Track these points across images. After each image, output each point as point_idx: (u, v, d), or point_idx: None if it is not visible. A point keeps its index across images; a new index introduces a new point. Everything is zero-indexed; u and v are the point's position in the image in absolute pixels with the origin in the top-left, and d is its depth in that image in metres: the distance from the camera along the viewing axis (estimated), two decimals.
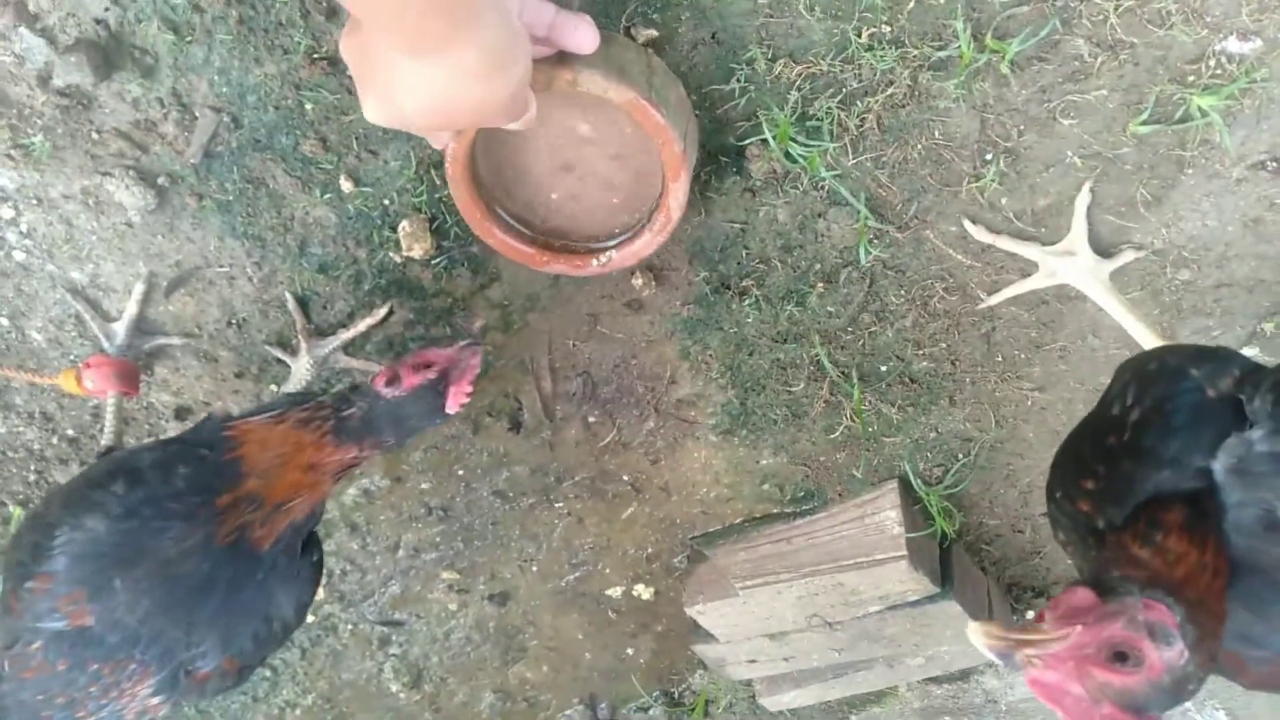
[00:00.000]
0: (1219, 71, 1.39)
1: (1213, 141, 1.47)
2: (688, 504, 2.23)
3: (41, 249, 1.77)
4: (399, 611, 2.43)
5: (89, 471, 1.52)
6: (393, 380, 1.41)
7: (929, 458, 2.01)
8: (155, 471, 1.39)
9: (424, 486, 2.22)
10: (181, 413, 2.06)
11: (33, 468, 2.17)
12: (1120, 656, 0.93)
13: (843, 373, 1.85)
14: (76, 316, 1.88)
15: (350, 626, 2.41)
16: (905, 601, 2.09)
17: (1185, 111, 1.43)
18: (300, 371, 1.88)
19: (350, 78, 1.54)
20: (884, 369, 1.87)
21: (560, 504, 2.26)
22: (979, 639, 0.96)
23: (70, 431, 2.10)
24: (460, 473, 2.20)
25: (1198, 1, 1.34)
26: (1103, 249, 1.60)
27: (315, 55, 1.49)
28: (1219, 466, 1.03)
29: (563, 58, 1.34)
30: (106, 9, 1.45)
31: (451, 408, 1.43)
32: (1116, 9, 1.35)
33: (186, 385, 2.01)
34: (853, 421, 1.95)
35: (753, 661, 2.36)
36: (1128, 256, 1.59)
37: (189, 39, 1.49)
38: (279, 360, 1.94)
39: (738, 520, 2.25)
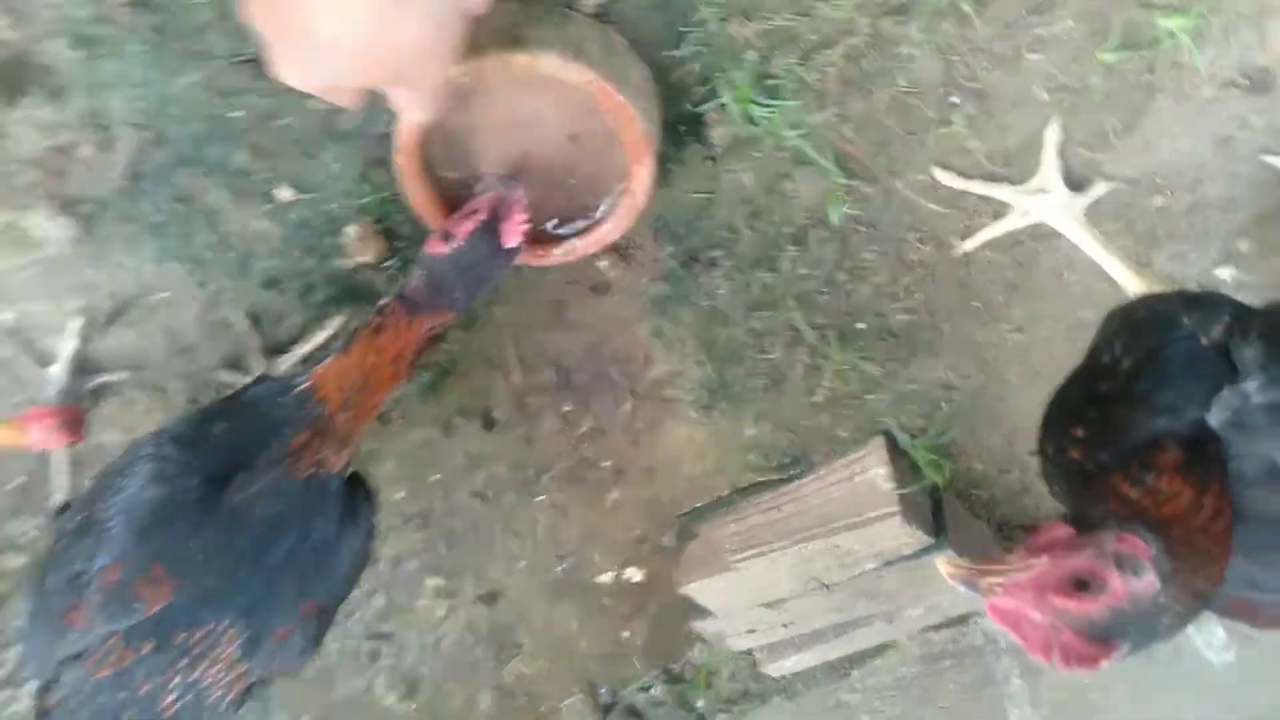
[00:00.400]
0: None
1: (1182, 64, 1.45)
2: (673, 482, 2.19)
3: None
4: (386, 624, 2.37)
5: (116, 462, 1.43)
6: (446, 238, 1.37)
7: (913, 410, 1.99)
8: (192, 430, 1.37)
9: (399, 496, 2.16)
10: None
11: None
12: (1082, 585, 0.91)
13: (821, 335, 1.81)
14: (8, 363, 1.77)
15: (338, 645, 2.34)
16: (901, 556, 2.08)
17: (1153, 35, 1.40)
18: None
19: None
20: (862, 326, 1.84)
21: (542, 498, 2.21)
22: (944, 569, 0.94)
23: (21, 479, 1.99)
24: (436, 478, 2.14)
25: None
26: (1075, 183, 1.58)
27: (238, 58, 1.39)
28: (1215, 420, 1.02)
29: (516, 39, 1.27)
30: (10, 28, 1.33)
31: (510, 242, 1.39)
32: None
33: (136, 420, 1.91)
34: (834, 382, 1.92)
35: (752, 631, 2.34)
36: (1101, 189, 1.56)
37: (100, 54, 1.38)
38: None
39: (724, 493, 2.21)
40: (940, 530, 2.08)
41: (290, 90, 1.44)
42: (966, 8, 1.38)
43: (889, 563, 2.10)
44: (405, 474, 2.10)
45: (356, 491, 1.51)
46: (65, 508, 1.66)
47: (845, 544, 2.04)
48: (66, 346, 1.74)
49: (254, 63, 1.41)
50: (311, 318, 1.78)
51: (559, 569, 2.36)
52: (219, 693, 1.40)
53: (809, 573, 2.13)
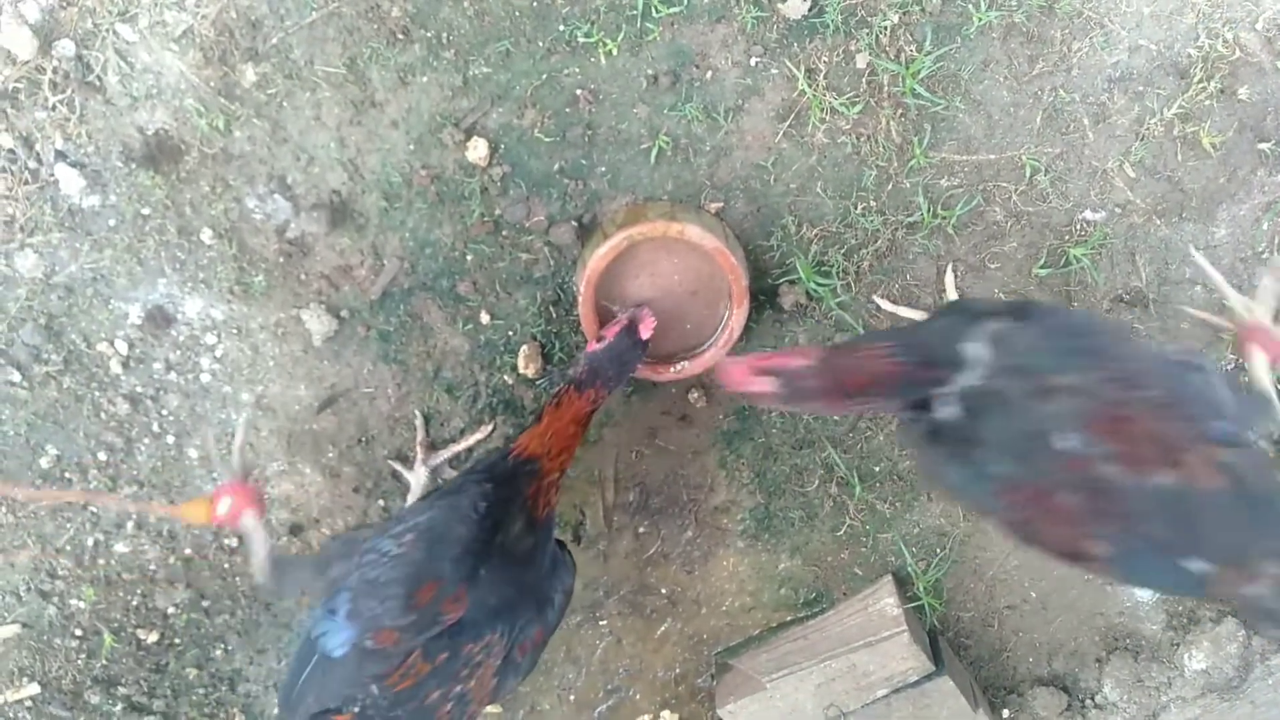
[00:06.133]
0: (1083, 232, 2.28)
1: (1086, 282, 2.33)
2: (715, 616, 2.74)
3: (226, 372, 2.35)
4: None
5: (426, 510, 1.90)
6: (600, 340, 2.04)
7: (914, 553, 2.64)
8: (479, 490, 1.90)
9: None
10: (295, 529, 2.53)
11: (139, 592, 2.56)
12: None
13: (848, 470, 2.52)
14: (231, 437, 2.40)
15: None
16: (907, 683, 2.61)
17: (1067, 259, 2.30)
18: (419, 480, 2.41)
19: (508, 239, 2.28)
20: (877, 469, 2.55)
21: (604, 622, 2.73)
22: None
23: (188, 551, 2.53)
24: None
25: (1063, 185, 2.25)
26: None
27: (484, 218, 2.24)
28: (979, 339, 1.68)
29: (672, 217, 2.13)
30: (346, 181, 2.19)
31: (645, 334, 2.06)
32: (1016, 190, 2.25)
33: (305, 501, 2.51)
34: (855, 519, 2.59)
35: None
36: None
37: (397, 206, 2.22)
38: (394, 475, 2.48)
39: (757, 631, 2.76)
40: (939, 662, 2.64)
41: (511, 243, 2.28)
42: (950, 230, 2.28)
43: (897, 690, 2.63)
44: None
45: (561, 548, 2.04)
46: (279, 561, 2.02)
47: (861, 664, 2.59)
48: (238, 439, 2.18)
49: (494, 223, 2.26)
50: (470, 422, 2.47)
51: (603, 707, 2.82)
52: (474, 707, 1.79)
53: (830, 696, 2.65)
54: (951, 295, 2.27)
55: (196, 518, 2.07)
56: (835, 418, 2.49)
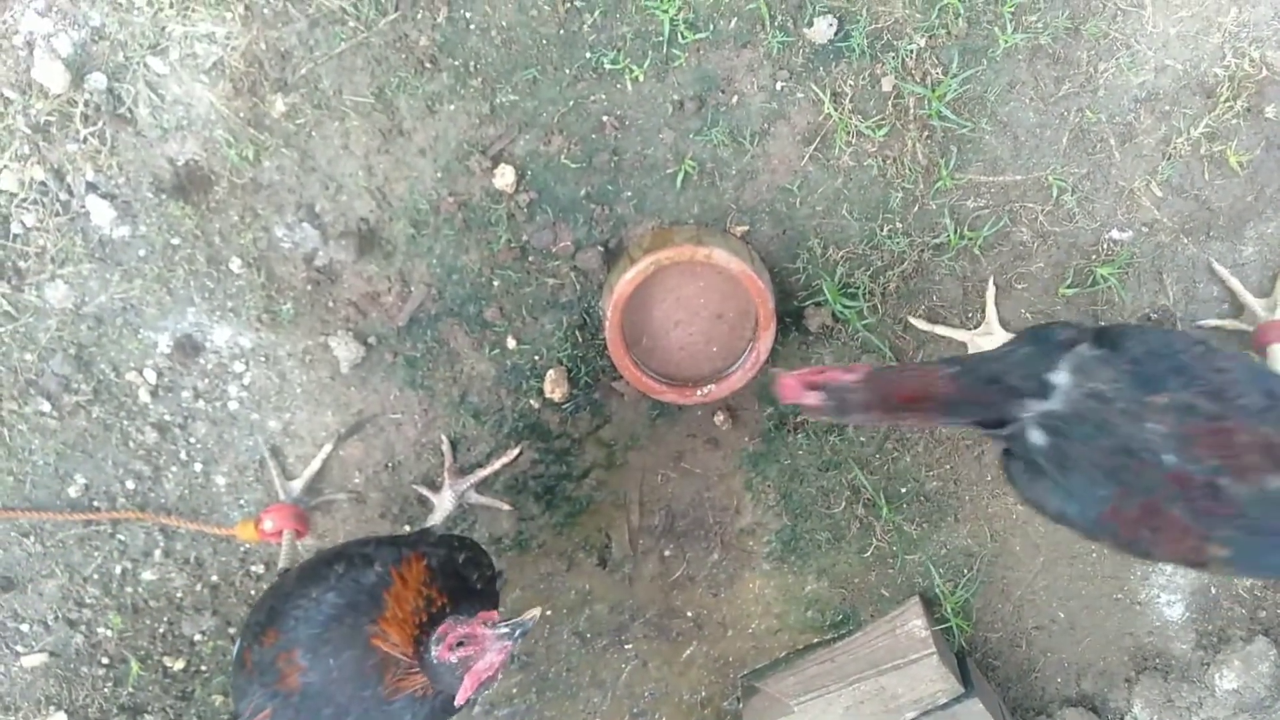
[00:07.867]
0: (1110, 251, 2.28)
1: (1113, 301, 2.33)
2: (741, 639, 2.74)
3: (253, 400, 2.36)
4: None
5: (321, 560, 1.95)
6: (438, 642, 1.74)
7: (942, 574, 2.63)
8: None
9: None
10: None
11: (166, 619, 2.56)
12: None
13: (875, 492, 2.51)
14: (260, 464, 2.41)
15: None
16: (937, 705, 2.60)
17: (1094, 279, 2.30)
18: (444, 504, 2.42)
19: (533, 265, 2.29)
20: (904, 490, 2.55)
21: (629, 646, 2.73)
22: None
23: (214, 578, 2.53)
24: (548, 613, 2.68)
25: (1089, 205, 2.25)
26: None
27: (511, 244, 2.25)
28: (1063, 368, 1.71)
29: (700, 241, 2.14)
30: (374, 210, 2.20)
31: (459, 700, 1.70)
32: (1043, 210, 2.25)
33: (332, 527, 2.52)
34: (881, 540, 2.59)
35: None
36: None
37: (424, 232, 2.23)
38: (420, 500, 2.48)
39: (783, 654, 2.76)
40: (968, 683, 2.63)
41: (537, 269, 2.29)
42: (976, 251, 2.28)
43: (926, 711, 2.62)
44: (525, 606, 2.64)
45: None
46: (286, 571, 2.17)
47: (890, 686, 2.58)
48: (313, 464, 2.38)
49: (520, 249, 2.27)
50: (496, 447, 2.47)
51: None
52: None
53: (858, 719, 2.63)
54: (990, 311, 2.26)
55: (246, 536, 2.31)
56: (861, 439, 2.49)
